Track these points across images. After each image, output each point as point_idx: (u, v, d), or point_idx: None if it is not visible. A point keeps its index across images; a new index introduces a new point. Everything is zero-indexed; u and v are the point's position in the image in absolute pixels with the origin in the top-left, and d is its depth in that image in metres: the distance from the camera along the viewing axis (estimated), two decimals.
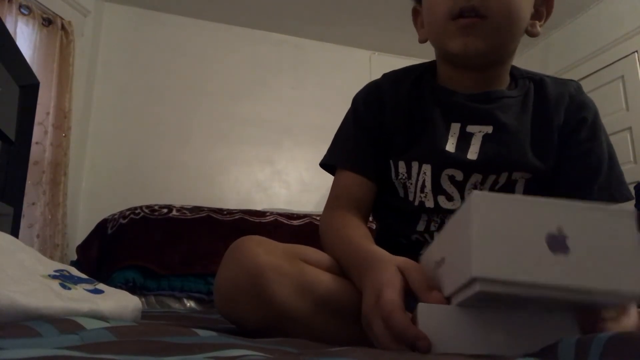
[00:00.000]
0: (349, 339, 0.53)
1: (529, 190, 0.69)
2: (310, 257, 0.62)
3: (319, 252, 0.65)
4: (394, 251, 0.56)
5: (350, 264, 0.60)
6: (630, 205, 0.71)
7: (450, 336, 0.40)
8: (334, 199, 0.76)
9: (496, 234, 0.36)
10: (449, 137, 0.71)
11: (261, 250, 0.57)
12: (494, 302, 0.39)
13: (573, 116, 0.71)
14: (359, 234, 0.66)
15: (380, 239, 0.78)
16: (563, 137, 0.71)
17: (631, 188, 2.38)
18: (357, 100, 0.82)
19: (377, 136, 0.76)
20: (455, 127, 0.72)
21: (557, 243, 0.35)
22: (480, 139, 0.70)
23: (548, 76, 0.76)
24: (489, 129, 0.70)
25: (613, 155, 0.72)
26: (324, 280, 0.59)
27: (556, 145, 0.70)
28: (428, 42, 0.77)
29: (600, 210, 0.38)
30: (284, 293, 0.55)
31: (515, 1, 0.66)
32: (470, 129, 0.71)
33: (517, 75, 0.76)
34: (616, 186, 0.70)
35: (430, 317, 0.41)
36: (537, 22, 0.73)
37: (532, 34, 0.72)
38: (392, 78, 0.80)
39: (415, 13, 0.80)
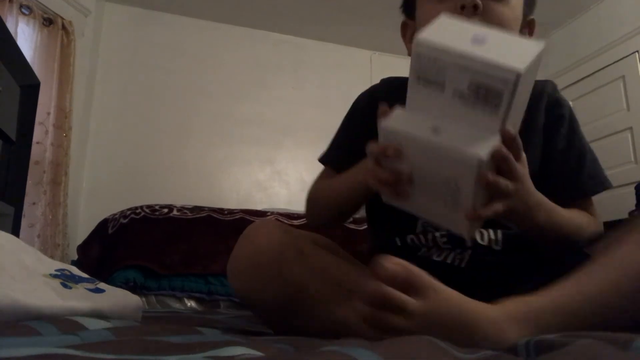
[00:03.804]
0: (360, 320, 0.55)
1: None
2: (322, 243, 0.65)
3: (329, 240, 0.68)
4: (387, 253, 0.57)
5: (342, 181, 0.72)
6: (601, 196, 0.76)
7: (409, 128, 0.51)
8: (317, 179, 0.85)
9: (441, 29, 0.50)
10: None
11: (279, 232, 0.61)
12: (432, 80, 0.50)
13: (552, 114, 0.76)
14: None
15: (374, 241, 0.82)
16: (545, 135, 0.75)
17: (631, 188, 2.35)
18: (356, 102, 0.86)
19: (368, 140, 0.78)
20: None
21: (479, 40, 0.49)
22: None
23: None
24: None
25: (591, 148, 0.76)
26: (338, 262, 0.62)
27: (540, 145, 0.74)
28: None
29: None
30: (302, 272, 0.58)
31: (508, 25, 0.69)
32: None
33: None
34: (602, 175, 0.74)
35: (392, 119, 0.52)
36: None
37: None
38: (389, 82, 0.84)
39: (404, 27, 0.83)
